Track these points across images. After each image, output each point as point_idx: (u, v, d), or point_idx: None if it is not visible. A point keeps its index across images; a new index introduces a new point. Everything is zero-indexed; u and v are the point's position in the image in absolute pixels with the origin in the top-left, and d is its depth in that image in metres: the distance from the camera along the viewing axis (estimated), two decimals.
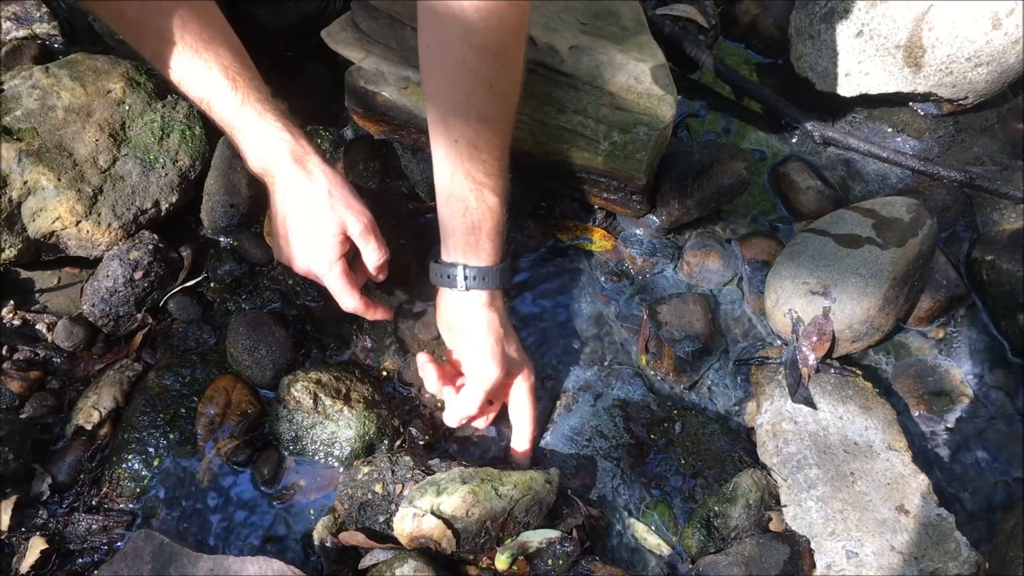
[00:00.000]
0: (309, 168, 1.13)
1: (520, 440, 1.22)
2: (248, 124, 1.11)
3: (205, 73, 1.08)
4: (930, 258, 1.30)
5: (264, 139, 1.12)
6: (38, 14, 1.53)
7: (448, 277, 1.14)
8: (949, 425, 1.29)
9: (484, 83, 1.01)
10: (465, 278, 1.13)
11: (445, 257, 1.16)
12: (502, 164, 1.10)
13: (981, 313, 1.37)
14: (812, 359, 1.24)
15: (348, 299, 1.17)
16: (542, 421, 1.28)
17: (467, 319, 1.16)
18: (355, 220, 1.14)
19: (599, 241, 1.41)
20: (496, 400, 1.25)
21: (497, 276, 1.14)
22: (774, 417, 1.21)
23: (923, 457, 1.24)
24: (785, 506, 1.14)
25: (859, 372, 1.27)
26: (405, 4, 1.28)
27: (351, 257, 1.18)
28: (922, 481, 1.14)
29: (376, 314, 1.22)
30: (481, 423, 1.25)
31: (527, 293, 1.38)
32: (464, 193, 1.09)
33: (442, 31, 1.00)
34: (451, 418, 1.20)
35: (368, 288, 1.30)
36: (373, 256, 1.17)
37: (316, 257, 1.15)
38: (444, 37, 1.00)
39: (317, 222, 1.13)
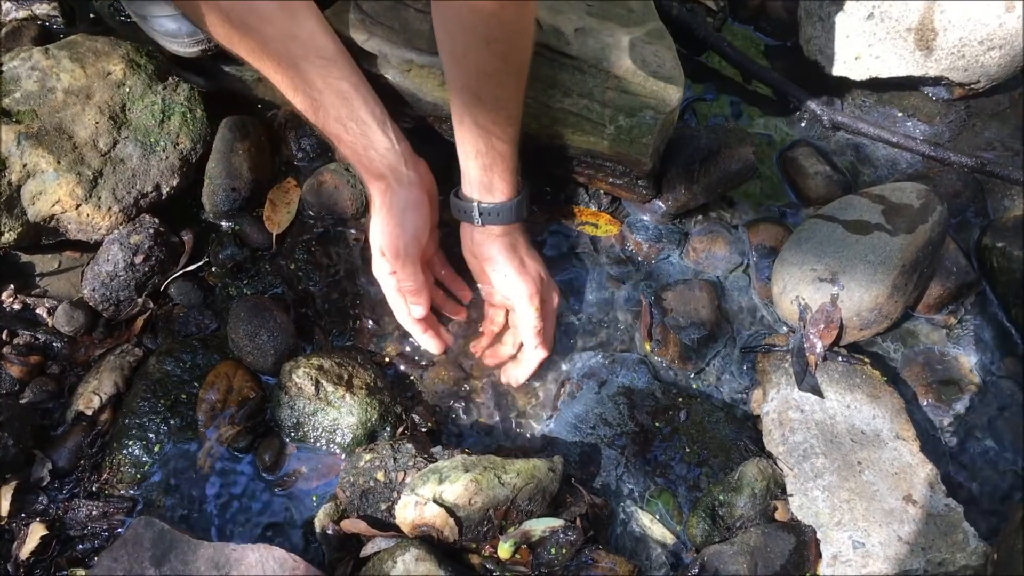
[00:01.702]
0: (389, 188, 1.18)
1: (530, 347, 1.25)
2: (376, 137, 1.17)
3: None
4: (940, 245, 1.28)
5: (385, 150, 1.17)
6: None
7: (465, 212, 1.20)
8: (957, 414, 1.27)
9: (481, 40, 1.02)
10: (480, 213, 1.18)
11: (464, 191, 1.20)
12: (509, 113, 1.11)
13: (991, 301, 1.36)
14: (819, 347, 1.22)
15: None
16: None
17: (487, 250, 1.22)
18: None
19: (604, 226, 1.40)
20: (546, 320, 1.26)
21: (511, 211, 1.18)
22: (780, 405, 1.20)
23: (931, 446, 1.23)
24: (791, 495, 1.13)
25: (867, 360, 1.25)
26: None
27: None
28: (930, 471, 1.13)
29: (431, 342, 1.28)
30: (538, 353, 1.25)
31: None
32: (474, 139, 1.12)
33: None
34: (528, 351, 1.25)
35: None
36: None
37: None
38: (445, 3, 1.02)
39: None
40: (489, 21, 0.99)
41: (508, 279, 1.21)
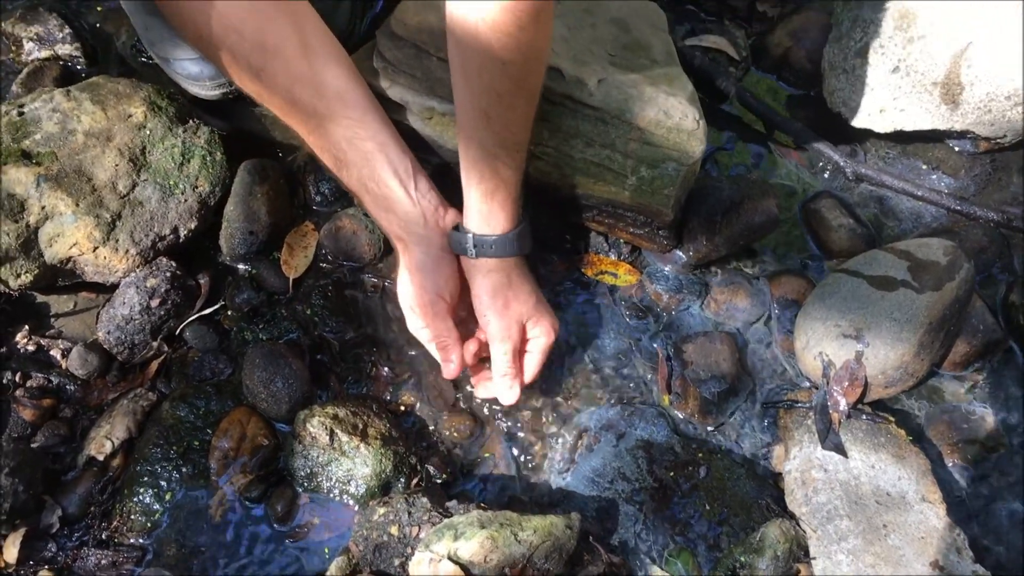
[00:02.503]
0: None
1: (502, 387, 1.21)
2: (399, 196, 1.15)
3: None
4: (967, 303, 1.26)
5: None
6: (61, 35, 1.52)
7: (459, 244, 1.16)
8: (984, 475, 1.24)
9: (496, 61, 1.00)
10: (475, 245, 1.14)
11: (463, 222, 1.17)
12: (517, 139, 1.10)
13: (1018, 358, 1.33)
14: (843, 404, 1.20)
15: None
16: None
17: (474, 284, 1.19)
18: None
19: (624, 276, 1.38)
20: (519, 362, 1.24)
21: (507, 244, 1.15)
22: (803, 464, 1.18)
23: (958, 509, 1.20)
24: (814, 559, 1.11)
25: (891, 418, 1.23)
26: (431, 34, 1.25)
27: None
28: (957, 535, 1.10)
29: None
30: (512, 393, 1.22)
31: None
32: (477, 162, 1.10)
33: (458, 7, 1.00)
34: (495, 386, 1.22)
35: None
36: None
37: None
38: (460, 11, 1.00)
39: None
40: (506, 42, 0.98)
41: (486, 318, 1.18)
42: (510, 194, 1.13)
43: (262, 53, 1.05)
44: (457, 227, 1.17)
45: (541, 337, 1.22)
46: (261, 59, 1.06)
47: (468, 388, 1.29)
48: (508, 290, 1.18)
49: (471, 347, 1.24)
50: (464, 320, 1.24)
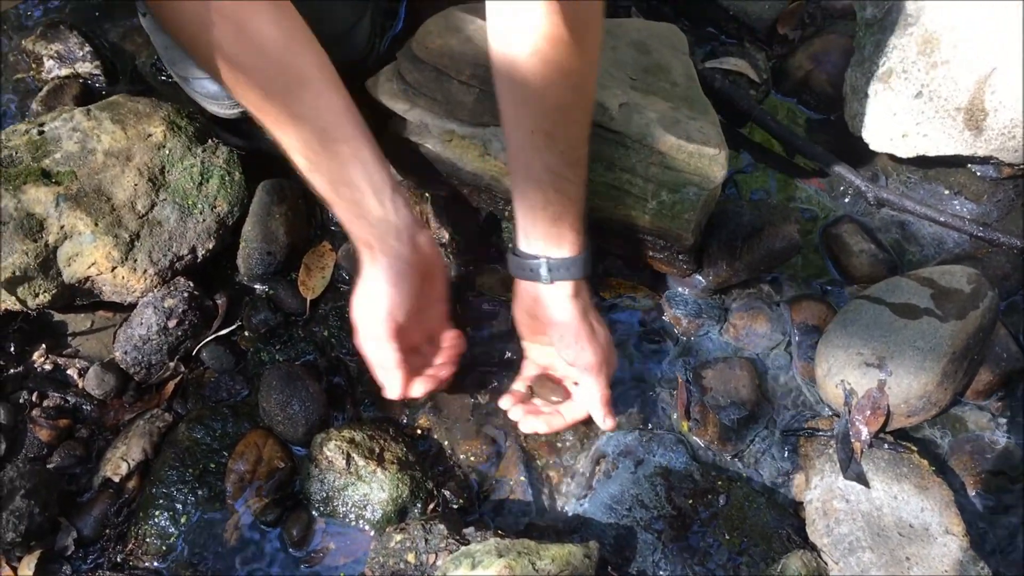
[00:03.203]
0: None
1: (601, 416, 1.19)
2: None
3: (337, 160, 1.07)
4: (991, 331, 1.25)
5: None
6: (81, 53, 1.52)
7: (531, 270, 1.12)
8: (1008, 506, 1.23)
9: (560, 72, 0.98)
10: (550, 270, 1.10)
11: (526, 248, 1.13)
12: (580, 154, 1.07)
13: None
14: (865, 434, 1.19)
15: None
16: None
17: (556, 312, 1.14)
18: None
19: (642, 300, 1.37)
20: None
21: (579, 266, 1.11)
22: (824, 494, 1.16)
23: (981, 541, 1.19)
24: None
25: (914, 448, 1.21)
26: (452, 57, 1.25)
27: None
28: (981, 569, 1.09)
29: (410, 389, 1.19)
30: (611, 421, 1.21)
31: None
32: (543, 186, 1.06)
33: (514, 21, 0.96)
34: (594, 415, 1.20)
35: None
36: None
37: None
38: (516, 27, 0.96)
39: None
40: (568, 50, 0.95)
41: (578, 346, 1.15)
42: (577, 213, 1.10)
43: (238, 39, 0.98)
44: (517, 252, 1.14)
45: (613, 368, 1.21)
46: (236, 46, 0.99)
47: (484, 412, 1.29)
48: (591, 315, 1.15)
49: (520, 383, 1.24)
50: (411, 340, 1.19)
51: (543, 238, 1.10)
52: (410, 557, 1.07)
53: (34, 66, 1.54)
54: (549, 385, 1.24)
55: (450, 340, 1.24)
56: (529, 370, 1.27)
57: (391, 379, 1.14)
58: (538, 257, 1.11)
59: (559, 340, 1.17)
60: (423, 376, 1.19)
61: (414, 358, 1.19)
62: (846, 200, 1.50)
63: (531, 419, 1.22)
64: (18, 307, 1.22)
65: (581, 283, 1.13)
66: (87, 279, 1.24)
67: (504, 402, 1.24)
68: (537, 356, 1.27)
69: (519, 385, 1.27)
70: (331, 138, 1.04)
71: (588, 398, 1.19)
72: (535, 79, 0.99)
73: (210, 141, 1.36)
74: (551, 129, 1.02)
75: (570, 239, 1.10)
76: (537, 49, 0.96)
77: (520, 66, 0.99)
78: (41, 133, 1.28)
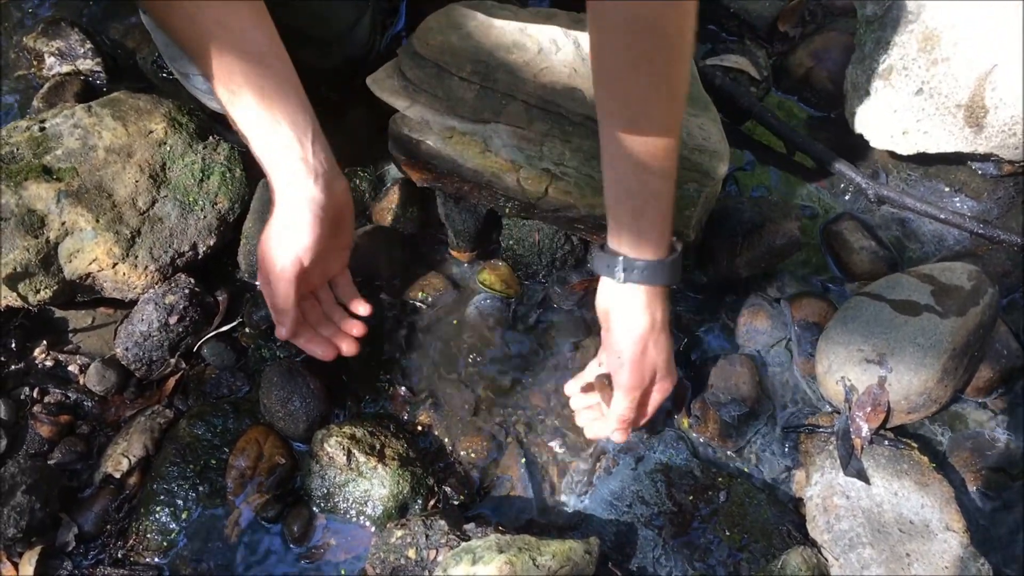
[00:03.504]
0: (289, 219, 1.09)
1: (616, 431, 1.17)
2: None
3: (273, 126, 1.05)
4: (991, 328, 1.25)
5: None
6: (82, 50, 1.53)
7: (608, 267, 1.10)
8: (1008, 503, 1.23)
9: (641, 58, 0.94)
10: (624, 270, 1.08)
11: (610, 244, 1.11)
12: (668, 144, 1.01)
13: None
14: (865, 430, 1.19)
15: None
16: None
17: (618, 316, 1.12)
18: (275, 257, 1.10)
19: None
20: (641, 411, 1.19)
21: (659, 272, 1.08)
22: (825, 490, 1.16)
23: (982, 538, 1.18)
24: None
25: (914, 445, 1.21)
26: (452, 54, 1.25)
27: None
28: (982, 565, 1.09)
29: (315, 349, 1.19)
30: (624, 435, 1.19)
31: (567, 348, 1.35)
32: (625, 177, 1.03)
33: (600, 7, 0.94)
34: (609, 426, 1.18)
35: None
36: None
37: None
38: (602, 11, 0.94)
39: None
40: (662, 21, 0.91)
41: (620, 361, 1.12)
42: (662, 211, 1.05)
43: None
44: (603, 247, 1.12)
45: (657, 393, 1.18)
46: None
47: (485, 409, 1.29)
48: (650, 335, 1.11)
49: (352, 340, 1.21)
50: (311, 283, 1.19)
51: (625, 234, 1.08)
52: (411, 553, 1.07)
53: (35, 63, 1.54)
54: (607, 383, 1.21)
55: (355, 307, 1.25)
56: (602, 356, 1.24)
57: (284, 320, 1.13)
58: (617, 254, 1.09)
59: (608, 345, 1.15)
60: (327, 341, 1.19)
61: (311, 304, 1.20)
62: (846, 197, 1.50)
63: (589, 425, 1.24)
64: (19, 303, 1.23)
65: (658, 292, 1.10)
66: (88, 275, 1.25)
67: (569, 387, 1.27)
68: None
69: (588, 375, 1.26)
70: (257, 72, 1.02)
71: (611, 408, 1.17)
72: (621, 64, 0.96)
73: (211, 138, 1.36)
74: (636, 115, 0.99)
75: (652, 240, 1.07)
76: (618, 34, 0.93)
77: (604, 50, 0.97)
78: (42, 130, 1.28)
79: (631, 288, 1.09)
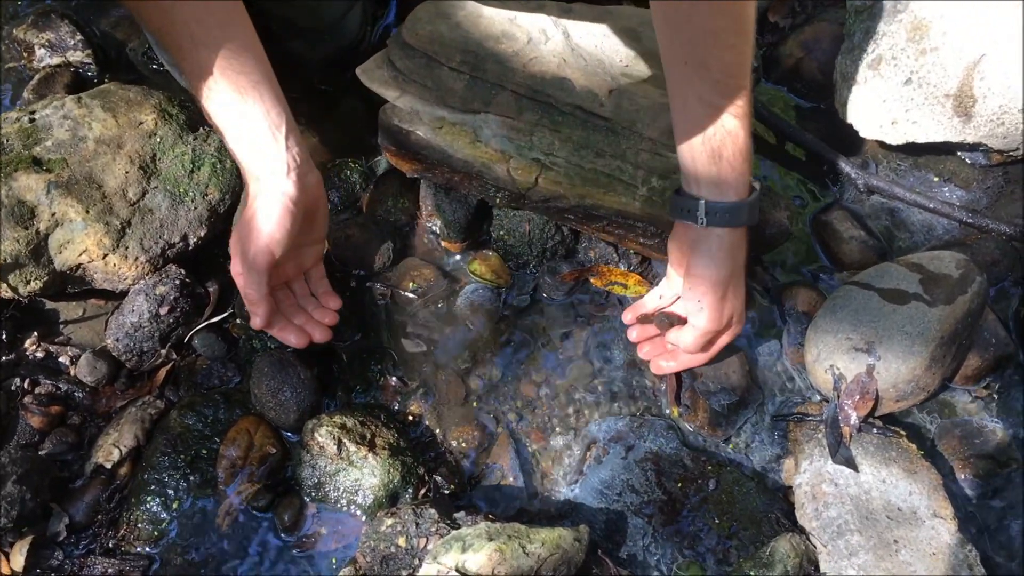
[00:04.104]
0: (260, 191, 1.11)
1: (664, 364, 1.26)
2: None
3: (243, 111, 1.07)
4: (979, 316, 1.25)
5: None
6: (72, 41, 1.52)
7: (687, 211, 1.09)
8: (996, 490, 1.23)
9: None
10: (707, 213, 1.07)
11: (687, 189, 1.11)
12: (738, 83, 1.01)
13: None
14: (854, 418, 1.19)
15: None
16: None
17: (700, 261, 1.13)
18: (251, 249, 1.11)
19: (633, 287, 1.38)
20: (706, 352, 1.25)
21: (743, 213, 1.08)
22: (813, 478, 1.17)
23: (970, 525, 1.19)
24: (825, 574, 1.10)
25: (902, 433, 1.22)
26: (442, 44, 1.25)
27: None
28: (969, 551, 1.09)
29: (288, 337, 1.20)
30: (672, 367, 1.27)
31: (558, 338, 1.35)
32: (699, 118, 1.03)
33: None
34: (676, 363, 1.26)
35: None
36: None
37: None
38: None
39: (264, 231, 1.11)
40: None
41: (700, 304, 1.15)
42: (740, 150, 1.05)
43: None
44: (679, 191, 1.11)
45: (726, 336, 1.23)
46: None
47: (476, 398, 1.29)
48: (731, 280, 1.14)
49: (631, 313, 1.28)
50: (285, 274, 1.22)
51: (703, 177, 1.07)
52: (401, 541, 1.08)
53: (25, 55, 1.54)
54: (666, 321, 1.25)
55: (326, 302, 1.27)
56: (663, 289, 1.27)
57: (257, 310, 1.14)
58: (697, 198, 1.08)
59: (688, 289, 1.17)
60: (300, 329, 1.20)
61: (285, 294, 1.22)
62: (836, 187, 1.50)
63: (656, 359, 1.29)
64: (10, 295, 1.23)
65: (741, 234, 1.10)
66: (78, 266, 1.25)
67: (626, 317, 1.30)
68: (675, 286, 1.25)
69: (648, 304, 1.29)
70: (232, 67, 1.04)
71: (682, 342, 1.21)
72: (684, 5, 0.96)
73: (201, 129, 1.36)
74: (704, 57, 0.98)
75: (732, 180, 1.06)
76: None
77: None
78: (32, 121, 1.28)
79: (714, 232, 1.09)
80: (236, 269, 1.13)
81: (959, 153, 1.49)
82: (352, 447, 1.16)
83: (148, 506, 1.15)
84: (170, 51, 1.05)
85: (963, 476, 1.25)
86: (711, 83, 1.00)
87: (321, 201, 1.18)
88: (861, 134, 1.47)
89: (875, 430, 1.21)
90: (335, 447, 1.16)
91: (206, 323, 1.30)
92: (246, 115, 1.07)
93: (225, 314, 1.32)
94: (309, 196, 1.13)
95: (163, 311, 1.25)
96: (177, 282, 1.27)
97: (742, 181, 1.07)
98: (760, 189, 1.11)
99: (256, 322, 1.15)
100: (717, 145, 1.04)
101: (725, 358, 1.30)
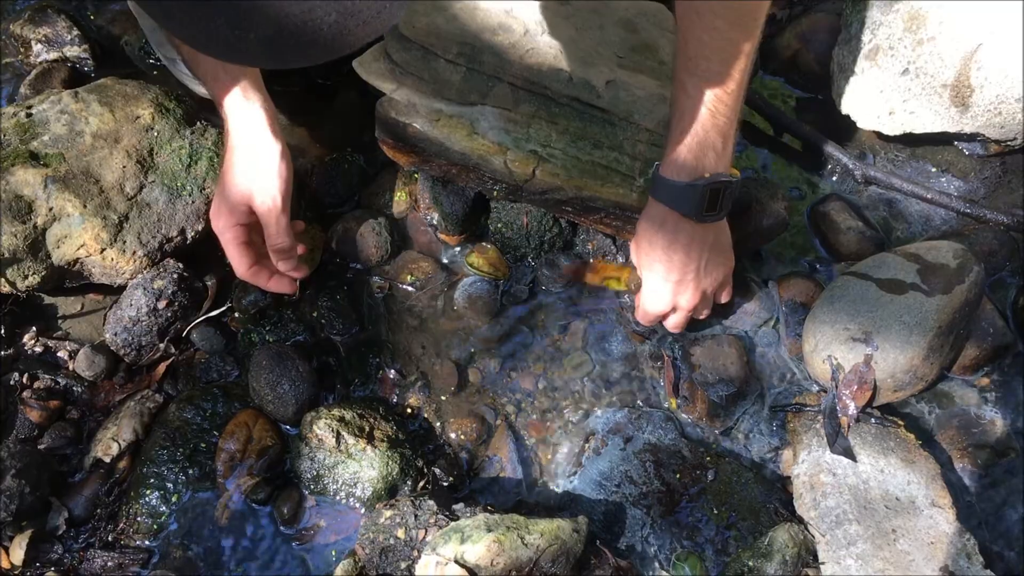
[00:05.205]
0: (251, 135, 1.14)
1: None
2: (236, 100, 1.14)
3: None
4: (977, 306, 1.25)
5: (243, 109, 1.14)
6: (69, 37, 1.53)
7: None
8: (995, 480, 1.23)
9: None
10: (653, 180, 1.14)
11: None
12: (725, 74, 1.04)
13: None
14: (852, 408, 1.19)
15: (236, 266, 1.19)
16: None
17: (640, 229, 1.20)
18: (262, 197, 1.14)
19: (628, 281, 1.38)
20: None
21: (685, 197, 1.10)
22: (812, 468, 1.17)
23: (968, 514, 1.19)
24: (823, 563, 1.10)
25: (900, 422, 1.22)
26: (438, 36, 1.25)
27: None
28: (967, 540, 1.09)
29: (270, 284, 1.23)
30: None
31: (556, 330, 1.35)
32: (678, 98, 1.07)
33: None
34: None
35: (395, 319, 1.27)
36: (271, 239, 1.18)
37: (215, 219, 1.18)
38: None
39: (228, 184, 1.15)
40: None
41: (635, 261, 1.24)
42: (700, 140, 1.08)
43: None
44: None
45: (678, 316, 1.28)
46: None
47: (474, 390, 1.29)
48: (668, 261, 1.18)
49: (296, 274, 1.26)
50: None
51: (666, 153, 1.11)
52: (400, 533, 1.08)
53: (22, 50, 1.54)
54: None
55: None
56: None
57: (289, 255, 1.19)
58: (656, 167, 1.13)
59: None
60: (279, 276, 1.23)
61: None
62: (834, 178, 1.50)
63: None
64: (8, 289, 1.23)
65: (691, 225, 1.14)
66: (76, 261, 1.25)
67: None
68: None
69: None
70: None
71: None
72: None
73: (198, 123, 1.36)
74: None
75: (674, 156, 1.09)
76: None
77: None
78: (29, 116, 1.28)
79: (659, 206, 1.14)
80: (215, 216, 1.17)
81: (956, 143, 1.49)
82: (351, 440, 1.16)
83: (147, 500, 1.15)
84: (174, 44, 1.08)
85: (961, 465, 1.25)
86: (699, 73, 1.04)
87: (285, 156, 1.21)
88: (859, 125, 1.47)
89: (873, 420, 1.21)
90: (334, 440, 1.16)
91: (204, 317, 1.30)
92: (247, 98, 1.13)
93: (223, 308, 1.32)
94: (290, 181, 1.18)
95: (161, 305, 1.25)
96: (175, 276, 1.27)
97: (698, 167, 1.09)
98: (728, 183, 1.11)
99: (238, 271, 1.19)
100: (684, 126, 1.07)
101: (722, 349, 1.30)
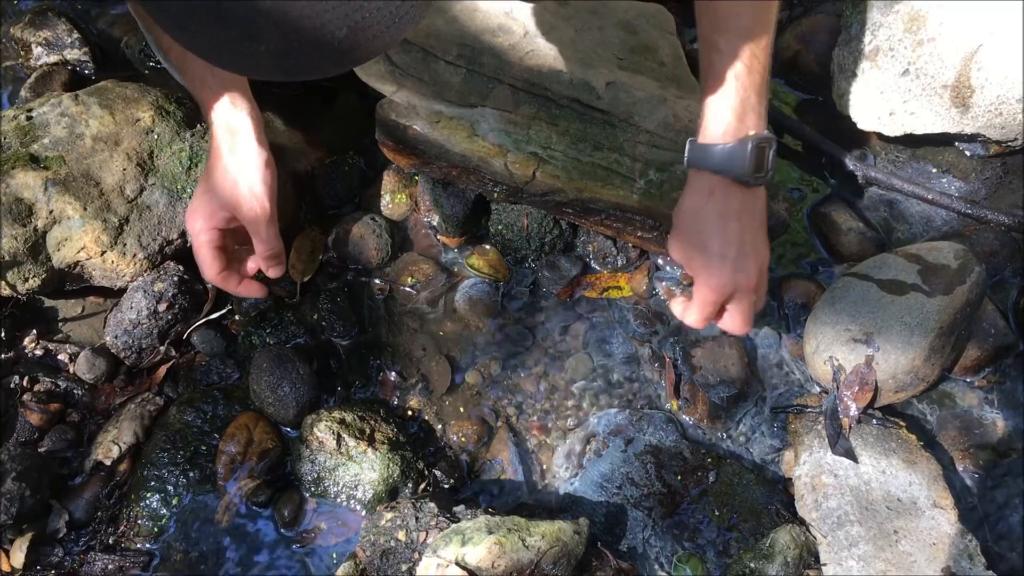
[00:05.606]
0: (238, 141, 1.11)
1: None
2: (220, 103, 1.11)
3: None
4: (978, 307, 1.25)
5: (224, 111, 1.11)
6: (69, 40, 1.52)
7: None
8: (996, 481, 1.23)
9: None
10: (688, 151, 1.02)
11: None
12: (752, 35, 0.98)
13: None
14: (853, 409, 1.19)
15: (207, 269, 1.13)
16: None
17: (682, 199, 1.06)
18: (251, 204, 1.10)
19: (627, 287, 1.37)
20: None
21: (720, 156, 1.00)
22: (813, 469, 1.17)
23: (969, 515, 1.19)
24: (825, 565, 1.10)
25: (902, 423, 1.22)
26: (438, 38, 1.25)
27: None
28: (969, 541, 1.09)
29: (239, 289, 1.16)
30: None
31: (557, 332, 1.35)
32: (708, 62, 1.00)
33: None
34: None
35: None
36: (263, 247, 1.13)
37: (191, 220, 1.12)
38: None
39: (211, 188, 1.11)
40: None
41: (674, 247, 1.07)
42: (739, 94, 0.99)
43: None
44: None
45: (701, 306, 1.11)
46: None
47: (475, 393, 1.29)
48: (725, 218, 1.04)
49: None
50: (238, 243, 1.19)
51: (699, 120, 1.03)
52: (401, 535, 1.08)
53: (23, 53, 1.54)
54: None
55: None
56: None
57: (279, 259, 1.13)
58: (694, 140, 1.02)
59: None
60: (248, 281, 1.17)
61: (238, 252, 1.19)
62: (834, 179, 1.50)
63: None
64: (8, 292, 1.23)
65: (726, 187, 1.02)
66: (77, 263, 1.25)
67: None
68: None
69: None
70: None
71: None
72: None
73: (198, 126, 1.36)
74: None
75: (716, 119, 1.00)
76: None
77: None
78: (29, 119, 1.28)
79: (693, 174, 1.04)
80: (191, 219, 1.12)
81: (957, 144, 1.49)
82: (351, 442, 1.16)
83: (148, 502, 1.15)
84: (160, 49, 1.06)
85: (963, 466, 1.25)
86: (732, 30, 0.98)
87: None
88: (859, 126, 1.47)
89: (874, 421, 1.21)
90: (334, 442, 1.16)
91: (205, 320, 1.30)
92: (234, 104, 1.10)
93: (224, 311, 1.32)
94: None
95: (161, 308, 1.25)
96: (175, 279, 1.27)
97: (741, 127, 1.00)
98: (772, 139, 1.01)
99: (205, 275, 1.13)
100: (722, 86, 1.00)
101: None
